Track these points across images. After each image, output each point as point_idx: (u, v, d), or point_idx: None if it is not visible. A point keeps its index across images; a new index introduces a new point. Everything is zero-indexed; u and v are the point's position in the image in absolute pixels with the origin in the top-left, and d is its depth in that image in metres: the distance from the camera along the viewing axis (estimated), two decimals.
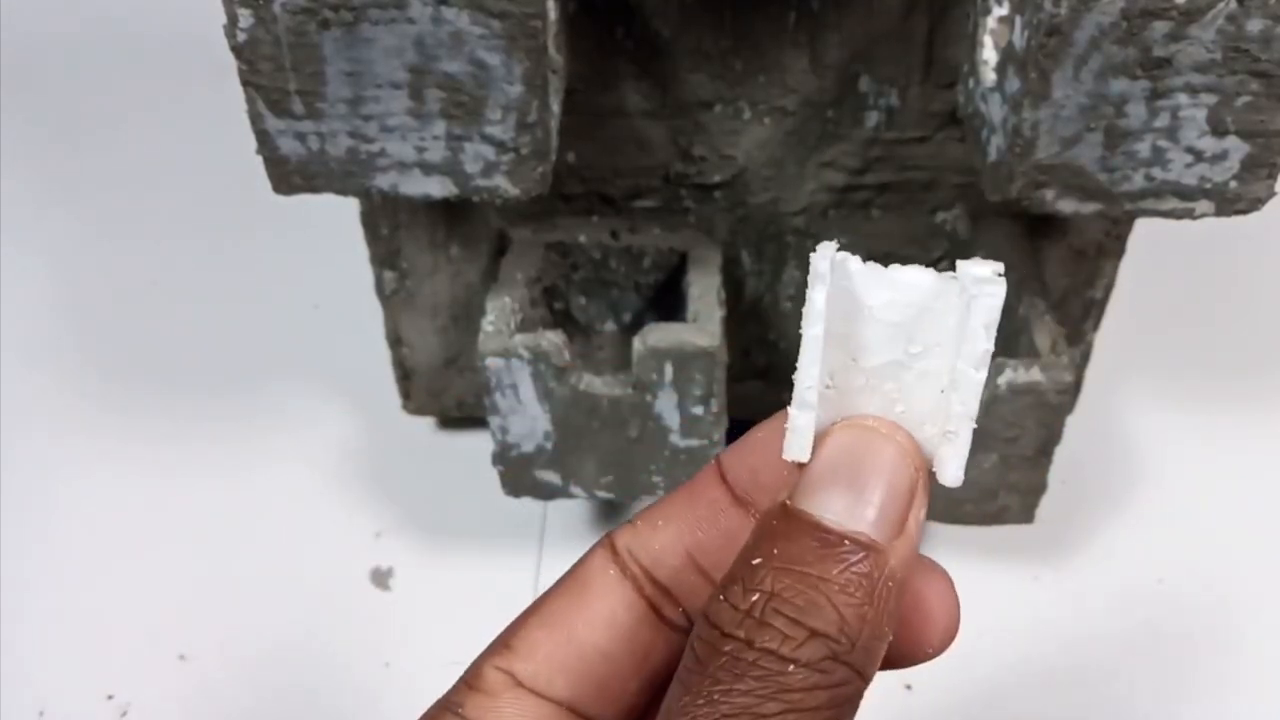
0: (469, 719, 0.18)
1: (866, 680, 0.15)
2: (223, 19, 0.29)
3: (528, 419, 0.37)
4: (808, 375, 0.16)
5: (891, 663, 0.17)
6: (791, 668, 0.14)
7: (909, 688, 0.40)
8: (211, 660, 0.41)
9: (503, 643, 0.19)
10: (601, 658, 0.18)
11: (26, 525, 0.46)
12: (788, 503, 0.16)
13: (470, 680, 0.18)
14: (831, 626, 0.14)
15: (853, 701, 0.15)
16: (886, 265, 0.17)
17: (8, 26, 0.74)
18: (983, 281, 0.16)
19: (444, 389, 0.45)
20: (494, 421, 0.37)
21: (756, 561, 0.15)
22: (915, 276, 0.17)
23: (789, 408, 0.17)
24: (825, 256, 0.17)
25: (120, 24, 0.74)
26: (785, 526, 0.15)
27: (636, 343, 0.35)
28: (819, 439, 0.16)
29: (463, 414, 0.47)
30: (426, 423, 0.49)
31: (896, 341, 0.17)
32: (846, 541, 0.15)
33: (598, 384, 0.36)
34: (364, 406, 0.50)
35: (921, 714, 0.40)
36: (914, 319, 0.17)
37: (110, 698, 0.40)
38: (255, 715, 0.39)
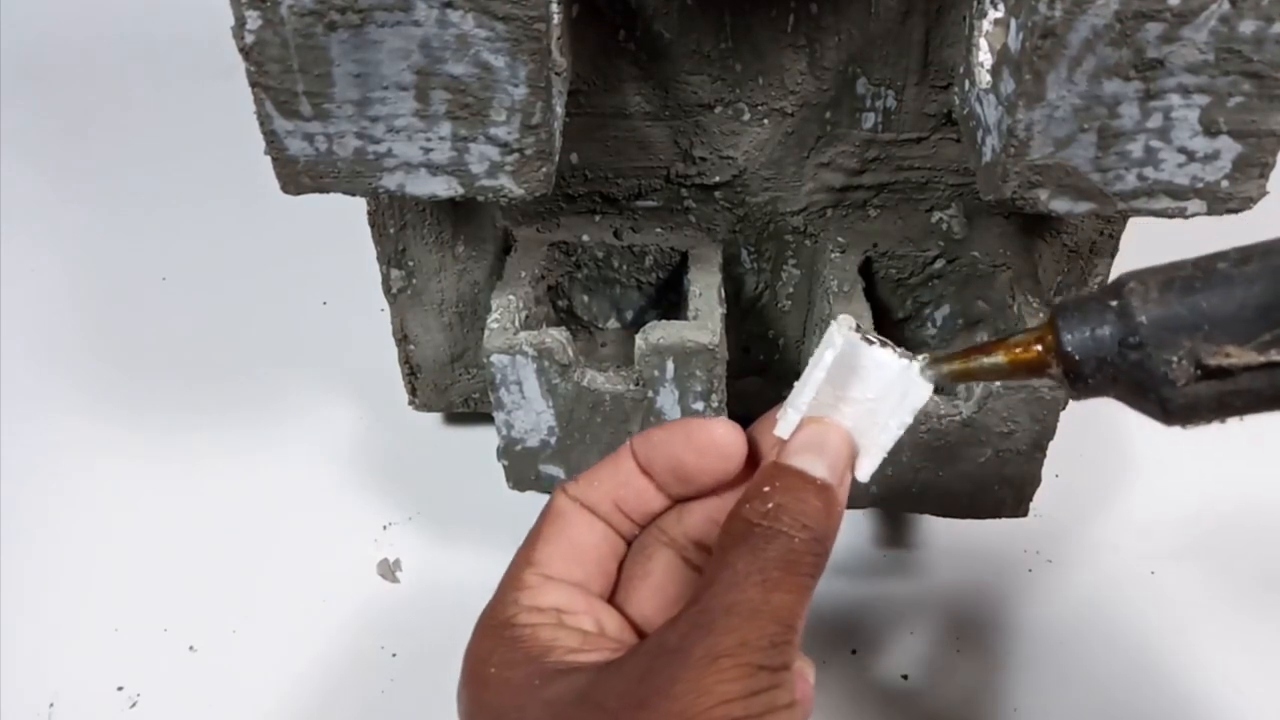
0: (526, 604, 0.26)
1: (827, 552, 0.25)
2: (231, 20, 0.29)
3: (532, 414, 0.37)
4: (803, 394, 0.27)
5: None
6: (796, 540, 0.24)
7: (905, 677, 0.41)
8: (220, 651, 0.41)
9: (525, 559, 0.27)
10: (592, 552, 0.28)
11: (36, 517, 0.46)
12: (779, 460, 0.26)
13: (514, 584, 0.27)
14: (811, 521, 0.25)
15: (822, 560, 0.25)
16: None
17: (21, 26, 0.75)
18: (923, 385, 0.26)
19: (450, 385, 0.46)
20: (499, 417, 0.38)
21: (767, 489, 0.25)
22: (890, 358, 0.27)
23: (778, 410, 0.27)
24: (842, 332, 0.26)
25: (131, 25, 0.74)
26: (779, 472, 0.26)
27: (639, 340, 0.36)
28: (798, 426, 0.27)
29: (468, 409, 0.47)
30: (433, 418, 0.50)
31: (865, 389, 0.27)
32: (816, 481, 0.25)
33: (600, 380, 0.37)
34: (371, 402, 0.50)
35: (917, 702, 0.40)
36: (881, 381, 0.27)
37: (120, 689, 0.40)
38: (264, 706, 0.40)
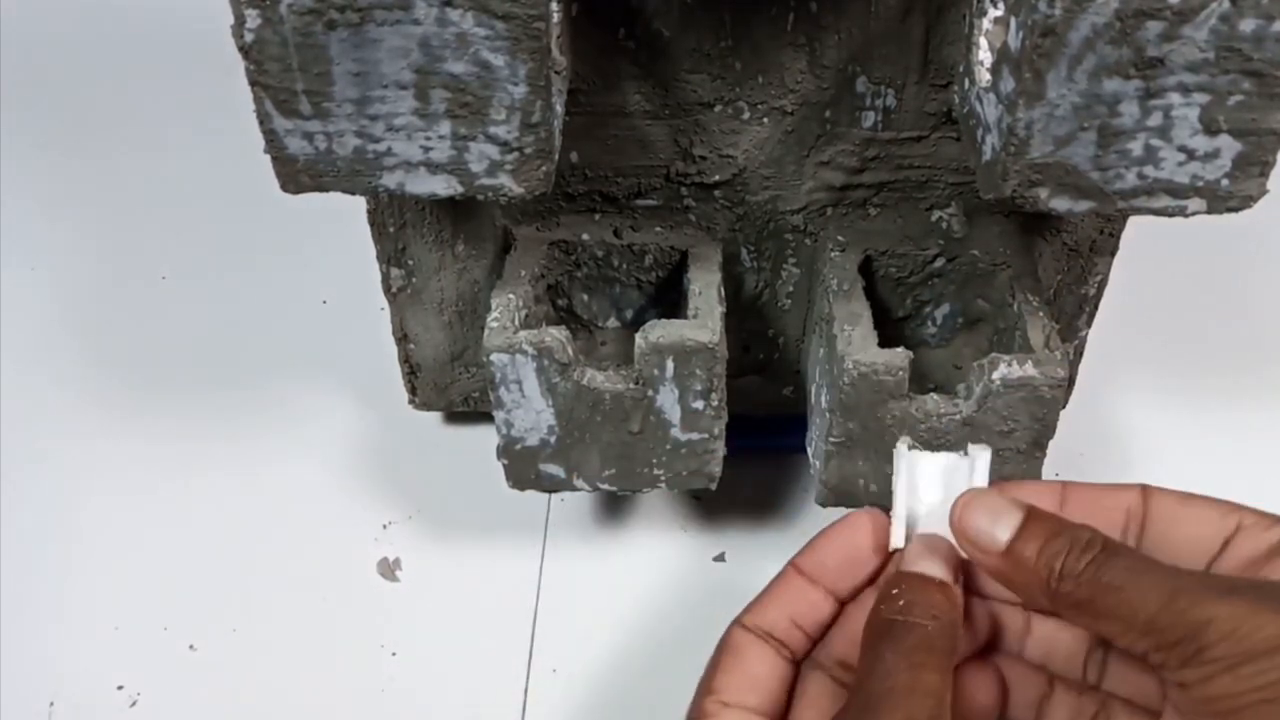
0: None
1: (958, 638, 0.29)
2: (230, 19, 0.29)
3: (532, 413, 0.38)
4: (899, 512, 0.31)
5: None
6: (930, 627, 0.28)
7: None
8: (220, 651, 0.42)
9: (705, 689, 0.30)
10: (765, 680, 0.31)
11: (36, 516, 0.46)
12: (902, 569, 0.30)
13: (698, 713, 0.30)
14: (939, 611, 0.28)
15: (954, 644, 0.28)
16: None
17: (18, 25, 0.75)
18: (979, 456, 0.31)
19: (450, 384, 0.46)
20: (499, 416, 0.38)
21: (895, 591, 0.29)
22: (948, 461, 0.31)
23: (892, 524, 0.31)
24: (902, 455, 0.32)
25: (130, 23, 0.74)
26: (903, 578, 0.30)
27: (638, 339, 0.36)
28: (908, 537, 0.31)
29: (468, 409, 0.47)
30: (433, 417, 0.50)
31: (933, 492, 0.31)
32: (936, 580, 0.29)
33: (600, 379, 0.37)
34: (371, 401, 0.50)
35: None
36: (945, 483, 0.31)
37: (120, 688, 0.40)
38: (264, 705, 0.40)
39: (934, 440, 0.37)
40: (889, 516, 0.31)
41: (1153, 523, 0.30)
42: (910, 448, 0.31)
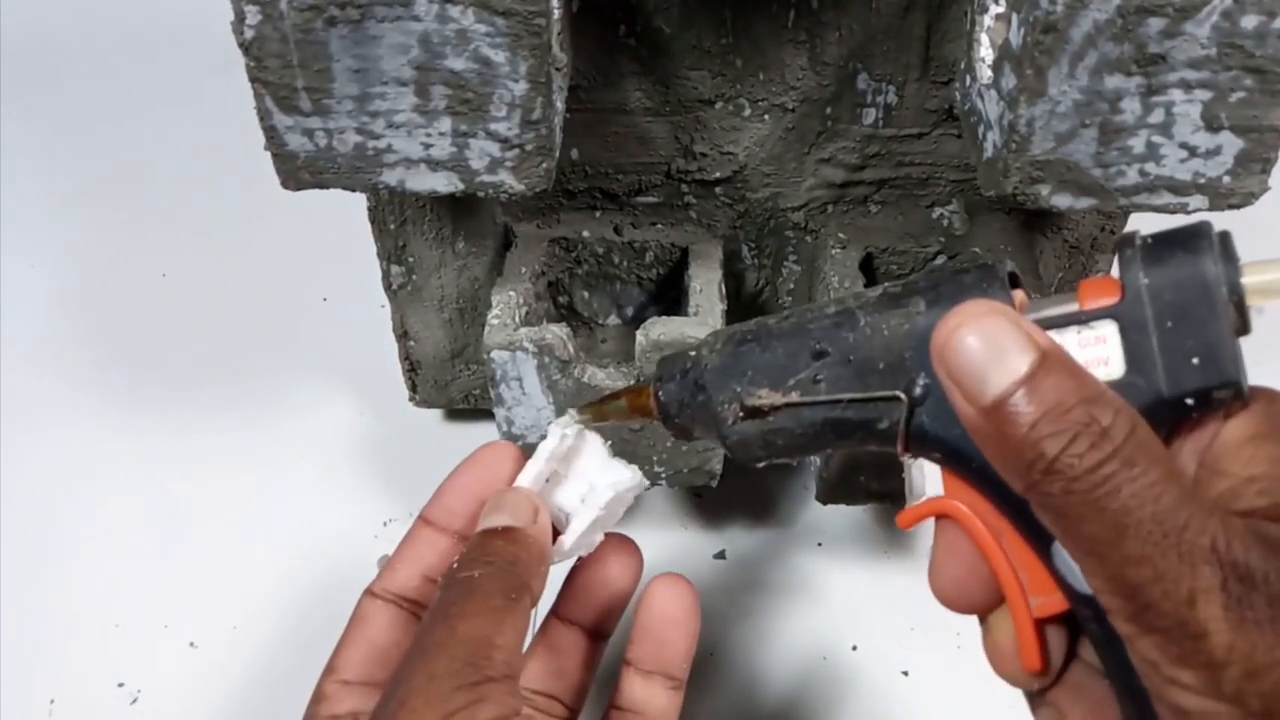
0: (324, 715, 0.28)
1: (529, 574, 0.27)
2: (230, 16, 0.29)
3: (532, 410, 0.37)
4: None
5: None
6: (477, 574, 0.27)
7: (906, 674, 0.41)
8: (221, 648, 0.42)
9: (327, 669, 0.29)
10: (394, 650, 0.29)
11: (36, 514, 0.46)
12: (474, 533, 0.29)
13: (316, 698, 0.29)
14: (496, 556, 0.27)
15: (517, 581, 0.27)
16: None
17: (20, 22, 0.75)
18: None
19: (450, 381, 0.46)
20: (499, 413, 0.38)
21: (456, 558, 0.28)
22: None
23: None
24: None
25: (130, 21, 0.74)
26: (471, 541, 0.28)
27: (639, 336, 0.36)
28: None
29: (469, 406, 0.47)
30: (433, 414, 0.50)
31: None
32: (498, 529, 0.28)
33: (601, 376, 0.37)
34: (372, 398, 0.50)
35: (917, 698, 0.40)
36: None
37: (120, 685, 0.40)
38: (264, 702, 0.40)
39: None
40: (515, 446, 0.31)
41: (1223, 442, 0.21)
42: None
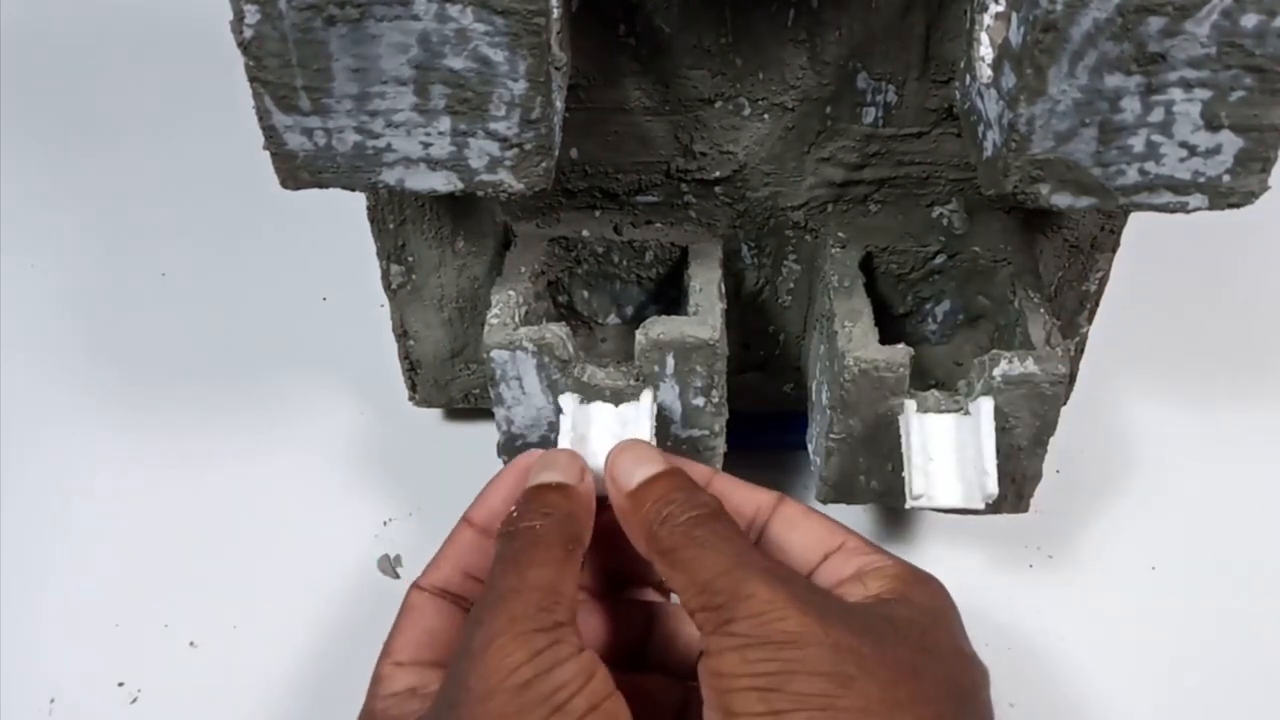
0: (384, 694, 0.31)
1: (581, 526, 0.31)
2: (229, 15, 0.29)
3: (532, 410, 0.38)
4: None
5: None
6: (538, 525, 0.30)
7: None
8: (221, 647, 0.42)
9: (382, 654, 0.31)
10: (443, 634, 0.31)
11: (36, 513, 0.46)
12: (524, 489, 0.32)
13: (375, 680, 0.31)
14: (551, 508, 0.31)
15: (574, 531, 0.31)
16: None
17: (17, 22, 0.75)
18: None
19: (450, 381, 0.46)
20: (499, 412, 0.38)
21: (513, 509, 0.31)
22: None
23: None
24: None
25: (129, 20, 0.74)
26: (523, 495, 0.32)
27: (639, 335, 0.36)
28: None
29: (469, 405, 0.47)
30: (433, 414, 0.50)
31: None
32: (551, 484, 0.32)
33: (601, 375, 0.37)
34: (372, 398, 0.50)
35: None
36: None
37: (121, 684, 0.40)
38: (264, 702, 0.40)
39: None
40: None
41: (774, 525, 0.32)
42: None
